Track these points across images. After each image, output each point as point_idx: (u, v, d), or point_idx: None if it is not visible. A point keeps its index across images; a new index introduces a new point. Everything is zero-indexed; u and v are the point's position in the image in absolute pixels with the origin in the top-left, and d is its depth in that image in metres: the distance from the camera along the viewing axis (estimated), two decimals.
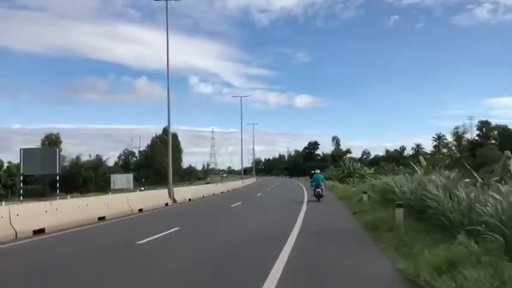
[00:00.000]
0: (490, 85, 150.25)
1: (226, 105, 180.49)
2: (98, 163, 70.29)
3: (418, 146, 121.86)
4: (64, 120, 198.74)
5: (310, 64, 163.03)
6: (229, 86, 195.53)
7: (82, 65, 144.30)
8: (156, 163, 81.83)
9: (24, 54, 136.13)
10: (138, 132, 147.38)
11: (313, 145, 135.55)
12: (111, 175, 54.73)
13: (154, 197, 21.63)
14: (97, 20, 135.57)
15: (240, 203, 22.85)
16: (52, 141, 68.37)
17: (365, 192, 19.14)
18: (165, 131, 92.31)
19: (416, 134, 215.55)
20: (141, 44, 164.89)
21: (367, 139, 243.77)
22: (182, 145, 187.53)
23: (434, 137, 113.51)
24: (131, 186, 49.26)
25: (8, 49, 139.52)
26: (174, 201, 23.89)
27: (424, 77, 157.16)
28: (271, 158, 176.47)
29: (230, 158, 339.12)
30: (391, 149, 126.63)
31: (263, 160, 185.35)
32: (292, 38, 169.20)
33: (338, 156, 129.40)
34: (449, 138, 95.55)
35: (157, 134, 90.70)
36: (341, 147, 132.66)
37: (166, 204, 22.18)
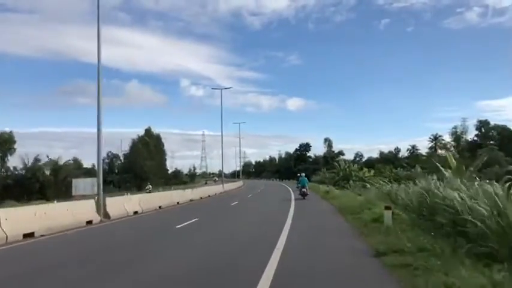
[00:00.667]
0: (482, 87, 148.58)
1: (218, 108, 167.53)
2: (55, 167, 61.35)
3: (413, 147, 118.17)
4: (55, 124, 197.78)
5: (301, 67, 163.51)
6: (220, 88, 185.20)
7: (72, 68, 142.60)
8: (137, 166, 76.21)
9: (14, 57, 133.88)
10: (129, 136, 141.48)
11: (305, 147, 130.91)
12: (73, 179, 48.39)
13: (64, 213, 14.33)
14: (87, 23, 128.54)
15: (195, 219, 16.42)
16: (3, 141, 61.56)
17: (388, 208, 11.28)
18: (148, 132, 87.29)
19: (409, 136, 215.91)
20: (131, 47, 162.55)
21: (359, 142, 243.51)
22: (173, 148, 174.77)
23: (430, 138, 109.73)
24: (95, 191, 43.31)
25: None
26: (106, 216, 17.18)
27: (415, 80, 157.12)
28: (261, 160, 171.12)
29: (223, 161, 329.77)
30: (385, 151, 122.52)
31: (253, 163, 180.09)
32: (284, 41, 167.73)
33: (330, 158, 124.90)
34: (447, 138, 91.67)
35: (140, 134, 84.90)
36: (333, 149, 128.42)
37: (89, 222, 15.54)
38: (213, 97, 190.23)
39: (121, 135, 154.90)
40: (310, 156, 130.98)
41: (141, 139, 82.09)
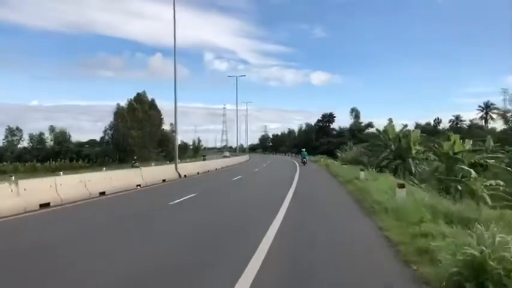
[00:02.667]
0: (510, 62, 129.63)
1: (242, 82, 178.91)
2: None
3: (457, 118, 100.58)
4: (80, 97, 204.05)
5: (326, 40, 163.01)
6: (244, 62, 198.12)
7: (95, 42, 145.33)
8: (119, 138, 61.89)
9: (37, 31, 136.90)
10: None
11: (328, 118, 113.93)
12: None
13: None
14: None
15: None
16: None
17: None
18: (139, 97, 72.58)
19: (437, 111, 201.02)
20: (155, 20, 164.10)
21: (385, 116, 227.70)
22: (196, 122, 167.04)
23: (480, 107, 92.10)
24: None
25: (22, 25, 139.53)
26: None
27: (444, 52, 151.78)
28: (279, 133, 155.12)
29: (244, 135, 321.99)
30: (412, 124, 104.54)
31: (271, 136, 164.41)
32: (309, 13, 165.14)
33: (358, 130, 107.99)
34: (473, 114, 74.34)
35: (130, 99, 70.06)
36: (361, 121, 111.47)
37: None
38: (237, 71, 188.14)
39: None
40: (334, 129, 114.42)
41: (129, 105, 67.46)
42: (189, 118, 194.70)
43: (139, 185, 18.88)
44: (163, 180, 22.04)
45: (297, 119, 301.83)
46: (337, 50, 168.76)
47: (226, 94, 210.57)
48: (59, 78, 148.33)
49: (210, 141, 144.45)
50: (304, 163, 44.53)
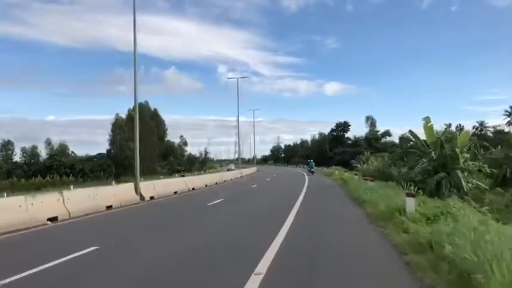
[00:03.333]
0: None
1: (255, 94, 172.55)
2: None
3: (481, 124, 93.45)
4: (97, 112, 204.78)
5: (339, 50, 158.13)
6: (257, 74, 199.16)
7: (111, 58, 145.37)
8: (117, 151, 57.15)
9: (55, 48, 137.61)
10: (169, 123, 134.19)
11: (343, 127, 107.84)
12: None
13: None
14: (124, 11, 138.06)
15: None
16: None
17: None
18: (141, 107, 67.86)
19: (454, 119, 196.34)
20: (169, 35, 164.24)
21: (399, 127, 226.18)
22: (210, 134, 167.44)
23: (507, 112, 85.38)
24: None
25: (42, 42, 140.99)
26: None
27: (459, 61, 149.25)
28: (291, 144, 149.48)
29: (258, 147, 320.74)
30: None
31: (283, 147, 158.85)
32: (321, 24, 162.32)
33: (374, 139, 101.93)
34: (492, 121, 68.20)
35: (130, 109, 65.42)
36: (377, 129, 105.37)
37: None
38: (250, 83, 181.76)
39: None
40: (348, 138, 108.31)
41: (128, 115, 62.78)
42: (204, 131, 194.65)
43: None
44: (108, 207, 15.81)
45: (311, 130, 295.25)
46: (350, 61, 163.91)
47: (240, 106, 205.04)
48: (77, 95, 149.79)
49: (223, 153, 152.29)
50: (312, 173, 51.42)
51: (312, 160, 58.34)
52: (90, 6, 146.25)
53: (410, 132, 22.03)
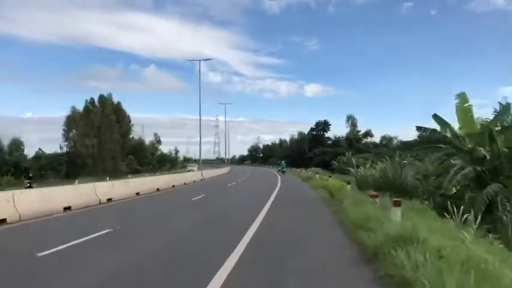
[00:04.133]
0: (507, 73, 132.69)
1: (235, 94, 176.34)
2: None
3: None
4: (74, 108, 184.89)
5: (320, 52, 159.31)
6: (238, 74, 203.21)
7: (91, 54, 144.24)
8: (70, 147, 50.66)
9: (33, 43, 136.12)
10: (148, 121, 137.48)
11: (323, 126, 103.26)
12: None
13: None
14: (105, 8, 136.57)
15: None
16: None
17: None
18: (101, 98, 61.36)
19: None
20: (150, 33, 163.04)
21: (378, 130, 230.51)
22: (190, 134, 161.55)
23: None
24: None
25: (17, 37, 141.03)
26: None
27: (436, 65, 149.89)
28: (270, 143, 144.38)
29: (239, 147, 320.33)
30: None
31: (261, 147, 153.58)
32: (303, 26, 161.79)
33: (355, 139, 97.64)
34: None
35: (87, 100, 58.45)
36: (359, 129, 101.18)
37: None
38: (231, 83, 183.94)
39: (138, 121, 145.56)
40: (329, 138, 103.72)
41: (86, 108, 56.14)
42: (184, 130, 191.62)
43: None
44: None
45: (291, 130, 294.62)
46: (330, 63, 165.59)
47: (221, 106, 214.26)
48: (54, 91, 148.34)
49: (203, 152, 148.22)
50: (283, 172, 55.55)
51: (283, 161, 63.97)
52: (69, 1, 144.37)
53: (435, 117, 15.83)
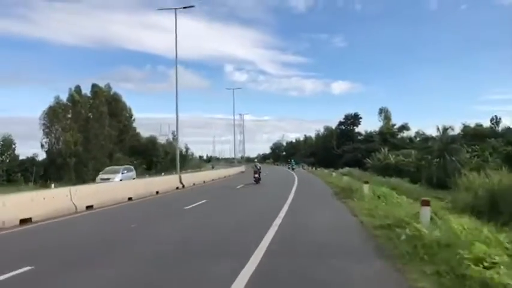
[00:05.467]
0: None
1: (261, 93, 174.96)
2: None
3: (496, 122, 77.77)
4: None
5: (347, 49, 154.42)
6: (264, 73, 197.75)
7: (117, 55, 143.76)
8: (52, 145, 41.95)
9: (60, 46, 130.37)
10: (172, 121, 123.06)
11: (352, 119, 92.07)
12: None
13: None
14: (132, 10, 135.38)
15: None
16: None
17: None
18: (94, 88, 52.49)
19: (459, 119, 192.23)
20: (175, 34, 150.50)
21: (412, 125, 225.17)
22: (218, 133, 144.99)
23: None
24: None
25: (46, 41, 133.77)
26: None
27: (465, 61, 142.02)
28: (293, 140, 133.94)
29: (265, 145, 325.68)
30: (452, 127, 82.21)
31: (284, 144, 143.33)
32: (329, 23, 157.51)
33: (390, 134, 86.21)
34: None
35: (70, 89, 48.67)
36: (394, 123, 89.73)
37: None
38: (257, 82, 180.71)
39: (163, 121, 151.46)
40: (359, 133, 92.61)
41: (69, 99, 47.01)
42: (210, 129, 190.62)
43: None
44: None
45: (317, 128, 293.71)
46: (357, 59, 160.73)
47: (246, 104, 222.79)
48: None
49: (227, 151, 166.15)
50: (293, 169, 61.38)
51: (293, 159, 76.73)
52: (96, 4, 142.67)
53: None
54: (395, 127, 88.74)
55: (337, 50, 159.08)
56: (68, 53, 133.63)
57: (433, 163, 42.61)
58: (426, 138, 58.73)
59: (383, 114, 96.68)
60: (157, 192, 20.16)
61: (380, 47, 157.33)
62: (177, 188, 23.82)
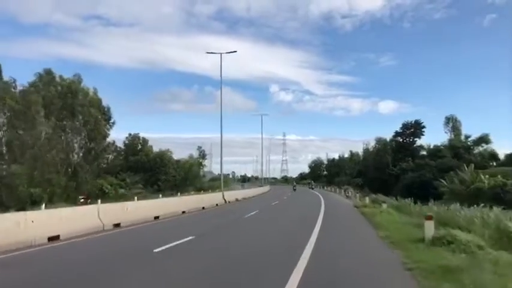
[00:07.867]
0: None
1: (306, 113, 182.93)
2: None
3: None
4: (153, 130, 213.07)
5: (395, 68, 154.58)
6: (309, 93, 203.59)
7: (167, 77, 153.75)
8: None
9: (112, 68, 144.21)
10: (217, 140, 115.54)
11: (413, 128, 72.10)
12: None
13: None
14: (181, 32, 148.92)
15: None
16: None
17: None
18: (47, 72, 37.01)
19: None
20: (224, 55, 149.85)
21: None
22: (260, 152, 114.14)
23: None
24: None
25: (100, 64, 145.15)
26: None
27: None
28: (336, 157, 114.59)
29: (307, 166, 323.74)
30: None
31: (325, 162, 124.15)
32: (376, 42, 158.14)
33: (464, 148, 65.83)
34: None
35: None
36: (468, 134, 69.55)
37: None
38: (302, 102, 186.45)
39: (210, 140, 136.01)
40: (422, 146, 72.73)
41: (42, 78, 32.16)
42: (254, 149, 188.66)
43: None
44: None
45: (365, 141, 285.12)
46: (406, 79, 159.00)
47: (291, 124, 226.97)
48: (133, 113, 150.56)
49: (271, 170, 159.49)
50: (312, 189, 71.41)
51: (312, 181, 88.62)
52: (148, 28, 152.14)
53: None
54: (469, 139, 68.38)
55: (384, 69, 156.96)
56: (121, 74, 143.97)
57: None
58: None
59: (451, 124, 76.60)
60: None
61: (429, 66, 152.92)
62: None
